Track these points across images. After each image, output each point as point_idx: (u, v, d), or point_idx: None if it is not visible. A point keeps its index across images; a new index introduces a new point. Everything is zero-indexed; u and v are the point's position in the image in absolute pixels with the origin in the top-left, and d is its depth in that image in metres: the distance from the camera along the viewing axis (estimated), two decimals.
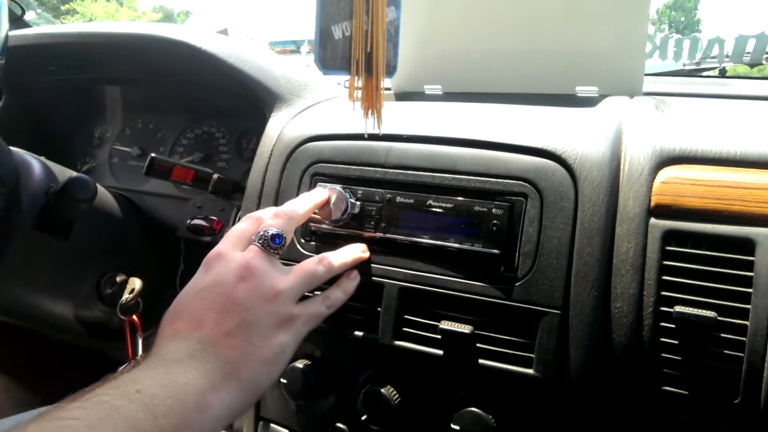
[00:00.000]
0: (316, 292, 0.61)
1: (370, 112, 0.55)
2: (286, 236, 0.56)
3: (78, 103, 1.17)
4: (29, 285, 0.77)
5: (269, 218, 0.58)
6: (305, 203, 0.62)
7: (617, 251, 0.56)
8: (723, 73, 1.08)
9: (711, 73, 1.10)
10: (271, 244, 0.54)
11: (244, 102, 0.91)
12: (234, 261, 0.52)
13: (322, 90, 0.91)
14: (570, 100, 0.85)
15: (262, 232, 0.55)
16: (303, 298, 0.56)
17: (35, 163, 0.76)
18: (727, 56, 1.04)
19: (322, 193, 0.65)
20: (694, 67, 1.08)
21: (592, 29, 0.85)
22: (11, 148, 0.75)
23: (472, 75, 0.96)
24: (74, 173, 0.74)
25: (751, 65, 1.02)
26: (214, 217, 0.83)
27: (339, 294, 0.60)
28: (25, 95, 1.12)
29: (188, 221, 0.84)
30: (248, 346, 0.48)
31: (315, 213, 0.65)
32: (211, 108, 1.06)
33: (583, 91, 0.87)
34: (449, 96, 0.96)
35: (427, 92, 0.99)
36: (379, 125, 0.56)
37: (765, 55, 0.99)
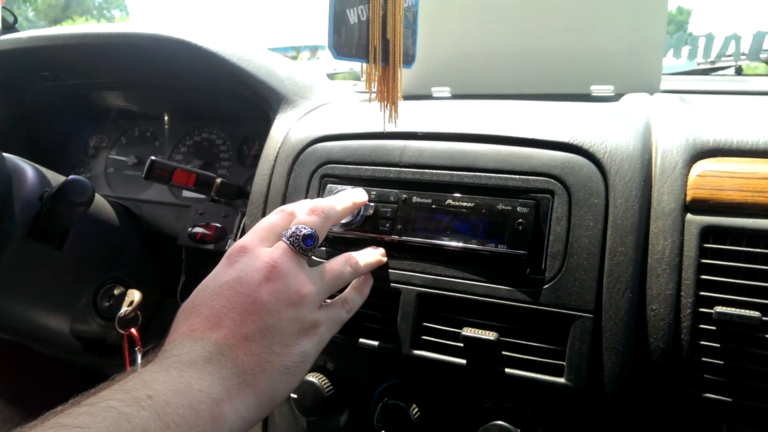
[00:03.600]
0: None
1: (386, 104, 0.52)
2: (320, 236, 0.52)
3: (73, 111, 1.13)
4: (22, 298, 0.73)
5: (304, 214, 0.53)
6: (343, 201, 0.58)
7: (652, 249, 0.52)
8: (739, 72, 1.06)
9: (727, 72, 1.07)
10: (302, 245, 0.50)
11: (245, 106, 0.88)
12: (260, 258, 0.48)
13: (328, 92, 0.88)
14: (585, 99, 0.82)
15: (294, 229, 0.51)
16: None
17: (28, 168, 0.72)
18: (744, 54, 1.01)
19: (361, 193, 0.61)
20: (709, 66, 1.05)
21: (608, 27, 0.82)
22: (3, 154, 0.71)
23: (482, 76, 0.93)
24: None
25: None
26: (217, 224, 0.79)
27: (357, 297, 0.56)
28: (18, 102, 1.09)
29: (189, 229, 0.80)
30: (268, 353, 0.44)
31: None
32: (211, 114, 1.03)
33: (598, 90, 0.85)
34: (458, 98, 0.94)
35: (435, 95, 0.96)
36: (396, 118, 0.53)
37: None
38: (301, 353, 0.47)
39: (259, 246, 0.50)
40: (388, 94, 0.50)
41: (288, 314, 0.46)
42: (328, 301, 0.54)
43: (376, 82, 0.50)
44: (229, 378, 0.41)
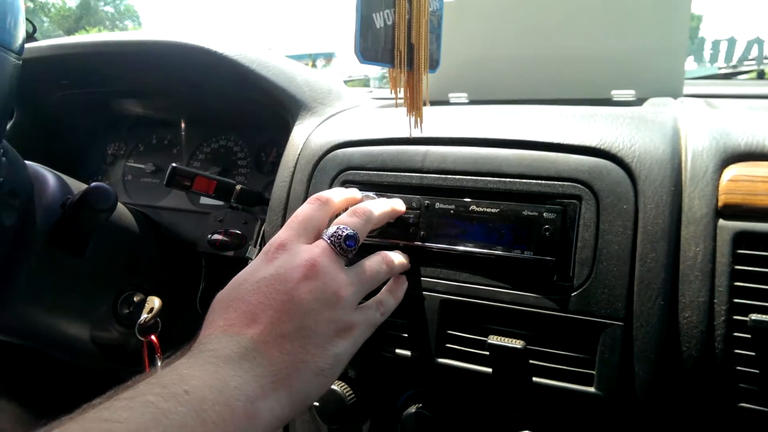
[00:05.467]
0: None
1: (411, 110, 0.51)
2: (360, 238, 0.51)
3: (91, 119, 1.14)
4: (43, 306, 0.72)
5: (345, 215, 0.53)
6: (383, 207, 0.57)
7: (684, 256, 0.51)
8: (762, 76, 1.04)
9: (749, 75, 1.06)
10: (344, 246, 0.49)
11: (263, 113, 0.88)
12: (299, 255, 0.48)
13: (347, 98, 0.88)
14: (606, 104, 0.81)
15: (335, 229, 0.50)
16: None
17: (50, 176, 0.72)
18: (766, 58, 1.00)
19: (401, 203, 0.61)
20: (731, 70, 1.04)
21: (629, 31, 0.81)
22: (26, 162, 0.71)
23: (500, 81, 0.92)
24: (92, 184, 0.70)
25: None
26: (237, 231, 0.79)
27: (391, 300, 0.55)
28: (37, 111, 1.09)
29: (209, 236, 0.80)
30: (303, 353, 0.44)
31: None
32: (229, 121, 1.03)
33: (619, 94, 0.84)
34: (475, 104, 0.93)
35: (452, 101, 0.95)
36: (421, 124, 0.52)
37: None
38: (335, 355, 0.46)
39: (297, 242, 0.50)
40: (412, 99, 0.50)
41: (325, 315, 0.46)
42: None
43: (402, 88, 0.50)
44: (264, 376, 0.41)
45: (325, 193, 0.55)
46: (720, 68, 1.05)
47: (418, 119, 0.52)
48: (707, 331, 0.49)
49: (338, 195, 0.55)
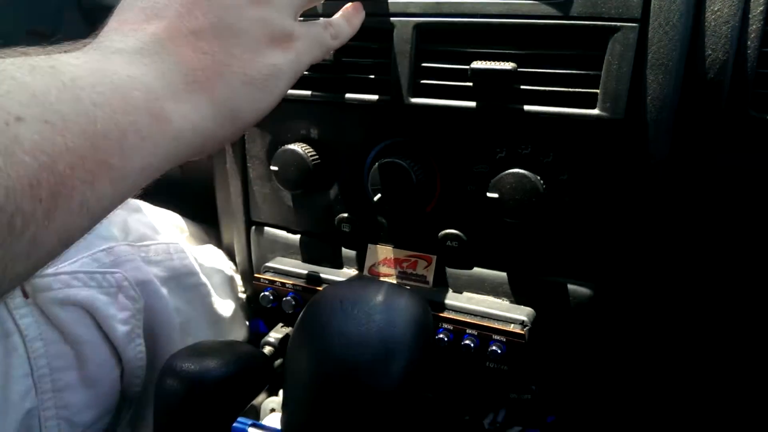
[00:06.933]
0: None
1: None
2: None
3: None
4: None
5: None
6: None
7: None
8: None
9: None
10: None
11: None
12: None
13: None
14: None
15: None
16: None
17: None
18: None
19: None
20: None
21: None
22: None
23: None
24: None
25: None
26: None
27: (345, 26, 0.45)
28: None
29: None
30: (225, 56, 0.34)
31: None
32: None
33: None
34: None
35: None
36: None
37: None
38: (271, 65, 0.36)
39: None
40: None
41: (250, 13, 0.35)
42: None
43: None
44: (172, 74, 0.31)
45: None
46: None
47: None
48: (740, 26, 0.40)
49: None
